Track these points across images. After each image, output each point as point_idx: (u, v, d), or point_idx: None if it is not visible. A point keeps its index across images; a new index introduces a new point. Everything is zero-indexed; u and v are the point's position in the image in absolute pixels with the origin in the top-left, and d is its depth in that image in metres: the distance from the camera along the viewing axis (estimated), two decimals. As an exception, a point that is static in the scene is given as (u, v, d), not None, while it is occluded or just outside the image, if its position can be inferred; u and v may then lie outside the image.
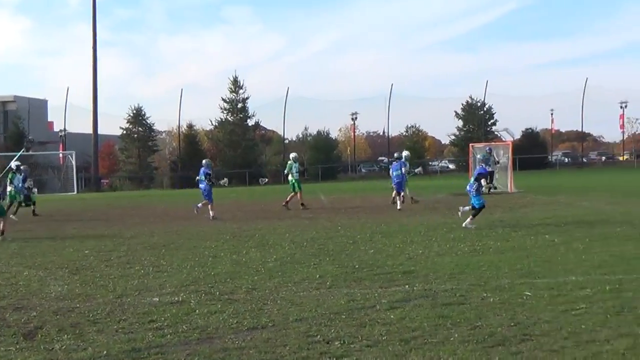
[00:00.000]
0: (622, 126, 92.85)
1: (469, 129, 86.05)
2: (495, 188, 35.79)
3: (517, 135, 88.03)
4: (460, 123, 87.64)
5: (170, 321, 8.98)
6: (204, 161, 27.73)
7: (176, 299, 10.53)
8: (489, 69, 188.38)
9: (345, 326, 8.41)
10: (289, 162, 30.48)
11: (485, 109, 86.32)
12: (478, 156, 20.86)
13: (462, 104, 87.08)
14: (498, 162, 37.54)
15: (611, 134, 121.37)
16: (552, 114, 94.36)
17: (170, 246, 17.37)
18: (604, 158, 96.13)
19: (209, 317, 9.17)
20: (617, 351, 7.06)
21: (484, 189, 20.22)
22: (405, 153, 32.00)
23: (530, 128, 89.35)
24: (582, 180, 48.83)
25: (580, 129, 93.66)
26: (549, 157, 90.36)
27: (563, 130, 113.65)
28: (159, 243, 18.08)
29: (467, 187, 20.41)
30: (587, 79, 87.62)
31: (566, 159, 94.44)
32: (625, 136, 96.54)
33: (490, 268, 12.39)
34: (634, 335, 7.62)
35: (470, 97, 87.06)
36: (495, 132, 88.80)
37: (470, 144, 44.73)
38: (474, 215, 19.73)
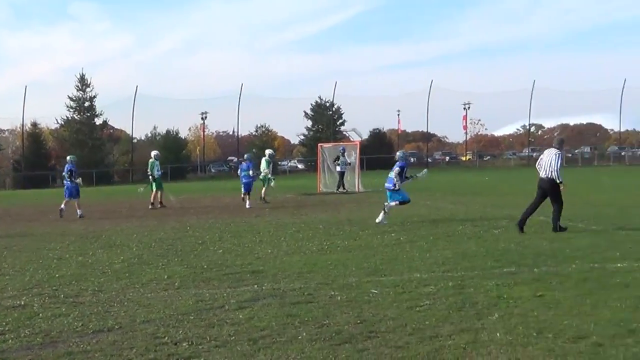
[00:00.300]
0: (465, 127, 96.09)
1: (318, 129, 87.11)
2: (345, 189, 36.35)
3: (365, 135, 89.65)
4: (309, 123, 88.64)
5: (12, 326, 8.68)
6: (68, 157, 27.20)
7: (18, 302, 10.18)
8: (338, 69, 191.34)
9: (193, 327, 8.35)
10: (151, 160, 30.04)
11: (334, 109, 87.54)
12: (398, 153, 21.25)
13: (312, 104, 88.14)
14: (349, 164, 38.09)
15: (455, 135, 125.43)
16: (398, 115, 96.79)
17: (12, 248, 16.81)
18: (447, 158, 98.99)
19: (53, 320, 8.92)
20: (458, 345, 7.27)
21: (408, 180, 20.49)
22: (268, 151, 32.57)
23: (377, 128, 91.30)
24: (427, 180, 50.05)
25: (425, 130, 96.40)
26: (396, 157, 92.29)
27: (409, 130, 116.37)
28: (0, 245, 17.46)
29: (387, 183, 20.62)
30: (432, 80, 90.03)
31: (412, 158, 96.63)
32: (468, 137, 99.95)
33: (338, 266, 12.55)
34: (474, 329, 7.86)
35: (320, 98, 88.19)
36: (344, 132, 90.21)
37: (319, 144, 45.17)
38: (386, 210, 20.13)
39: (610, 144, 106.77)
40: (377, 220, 19.79)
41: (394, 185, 20.10)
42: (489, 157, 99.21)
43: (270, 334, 7.94)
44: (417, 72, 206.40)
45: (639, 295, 9.44)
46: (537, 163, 17.45)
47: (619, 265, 12.00)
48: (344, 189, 36.39)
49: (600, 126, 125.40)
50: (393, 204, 20.26)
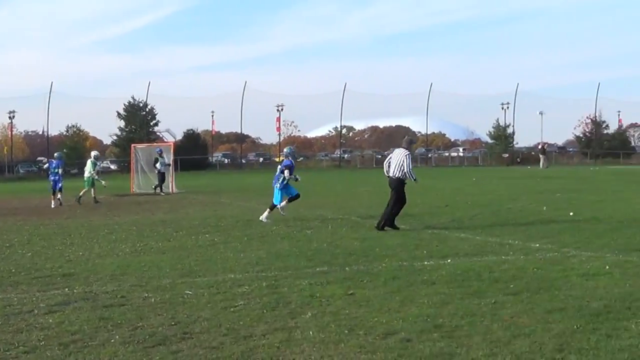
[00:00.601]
0: (279, 129, 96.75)
1: (132, 129, 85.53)
2: (161, 191, 35.97)
3: (179, 136, 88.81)
4: (122, 123, 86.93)
5: None
6: None
7: None
8: (151, 69, 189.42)
9: (0, 333, 8.08)
10: None
11: (147, 109, 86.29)
12: (285, 150, 21.28)
13: (125, 104, 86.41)
14: (169, 164, 37.81)
15: (268, 136, 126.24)
16: (212, 116, 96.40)
17: None
18: (261, 159, 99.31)
19: None
20: (272, 344, 7.37)
21: (291, 178, 20.47)
22: (94, 153, 32.52)
23: (191, 129, 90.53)
24: (241, 181, 50.38)
25: (239, 131, 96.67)
26: (210, 158, 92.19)
27: (223, 131, 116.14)
28: None
29: (273, 181, 20.70)
30: (246, 82, 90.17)
31: (226, 160, 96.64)
32: (282, 138, 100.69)
33: (152, 268, 12.44)
34: (288, 328, 7.99)
35: (133, 98, 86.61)
36: (158, 133, 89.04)
37: (132, 145, 44.61)
38: (271, 209, 20.18)
39: (418, 146, 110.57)
40: (260, 218, 19.98)
41: (279, 183, 20.20)
42: (302, 158, 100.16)
43: (82, 338, 7.79)
44: (231, 73, 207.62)
45: (445, 291, 9.87)
46: (386, 162, 17.89)
47: (426, 263, 12.50)
48: (161, 191, 36.05)
49: (408, 129, 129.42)
50: (283, 203, 20.34)
